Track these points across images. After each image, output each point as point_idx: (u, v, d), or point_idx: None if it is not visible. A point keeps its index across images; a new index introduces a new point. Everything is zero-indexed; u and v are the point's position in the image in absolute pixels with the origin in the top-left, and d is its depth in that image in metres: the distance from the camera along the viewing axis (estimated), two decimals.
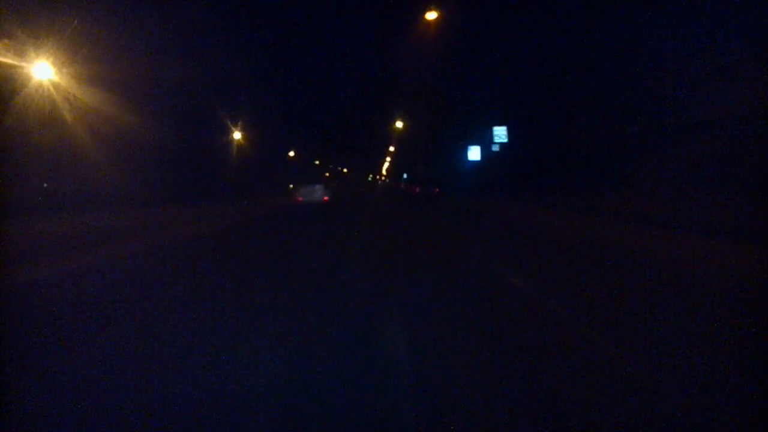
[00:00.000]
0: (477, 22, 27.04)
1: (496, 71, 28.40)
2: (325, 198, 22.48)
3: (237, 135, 29.48)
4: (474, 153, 31.83)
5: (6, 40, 11.38)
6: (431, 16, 19.88)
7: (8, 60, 11.75)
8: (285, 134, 43.02)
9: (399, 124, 43.99)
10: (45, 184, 16.17)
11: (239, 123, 29.45)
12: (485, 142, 30.31)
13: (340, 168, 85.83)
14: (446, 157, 36.73)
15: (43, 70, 12.85)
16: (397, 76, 45.89)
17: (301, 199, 22.39)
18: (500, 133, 28.98)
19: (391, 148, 76.72)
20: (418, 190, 28.57)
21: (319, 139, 57.53)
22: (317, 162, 61.54)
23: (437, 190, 27.67)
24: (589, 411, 2.44)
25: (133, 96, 17.51)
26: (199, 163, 26.20)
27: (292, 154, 47.18)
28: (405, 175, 60.00)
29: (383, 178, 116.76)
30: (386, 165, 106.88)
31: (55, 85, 13.55)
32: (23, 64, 12.25)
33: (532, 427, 2.31)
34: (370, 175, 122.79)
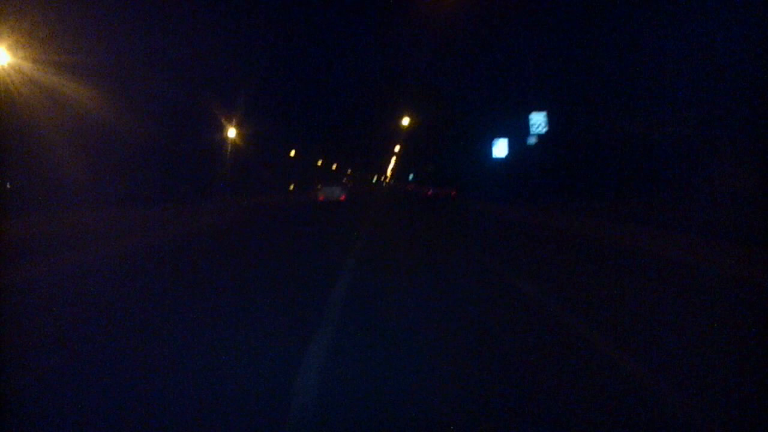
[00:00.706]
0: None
1: (526, 51, 23.03)
2: (342, 197, 24.57)
3: (234, 134, 29.36)
4: (500, 148, 26.06)
5: None
6: None
7: None
8: (285, 134, 43.01)
9: (405, 122, 42.54)
10: (8, 185, 14.97)
11: (238, 122, 29.40)
12: (516, 134, 24.32)
13: (344, 170, 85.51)
14: (463, 154, 32.43)
15: None
16: (404, 71, 44.95)
17: (322, 197, 24.46)
18: (538, 121, 22.00)
19: (397, 148, 75.94)
20: (431, 192, 26.32)
21: (320, 140, 57.40)
22: (319, 163, 61.43)
23: (453, 192, 25.38)
24: (589, 411, 2.44)
25: (128, 93, 17.15)
26: (198, 163, 26.23)
27: (293, 153, 47.15)
28: (411, 176, 58.21)
29: (388, 179, 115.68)
30: (391, 165, 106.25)
31: (11, 71, 12.33)
32: None
33: (532, 427, 2.31)
34: (375, 177, 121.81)
